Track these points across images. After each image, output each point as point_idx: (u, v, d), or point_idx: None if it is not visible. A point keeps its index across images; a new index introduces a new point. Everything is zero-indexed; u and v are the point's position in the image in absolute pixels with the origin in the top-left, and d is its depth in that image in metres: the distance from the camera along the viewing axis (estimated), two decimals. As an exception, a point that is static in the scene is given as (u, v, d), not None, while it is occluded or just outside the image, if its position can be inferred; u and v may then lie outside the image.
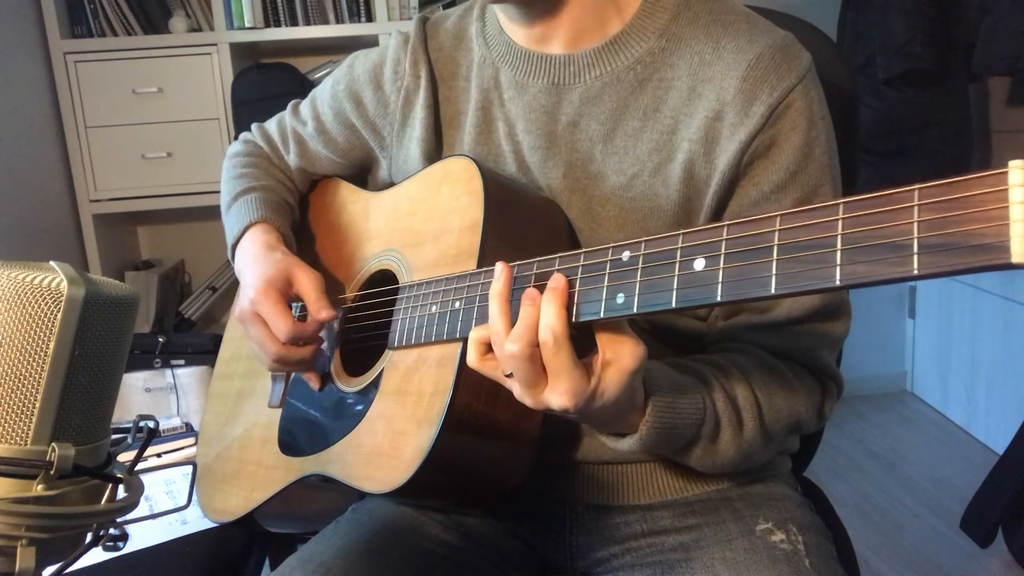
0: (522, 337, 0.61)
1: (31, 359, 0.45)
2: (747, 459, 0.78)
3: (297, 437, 0.93)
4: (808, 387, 0.81)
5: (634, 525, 0.85)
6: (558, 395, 0.61)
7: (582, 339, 0.62)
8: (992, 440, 2.56)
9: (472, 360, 0.67)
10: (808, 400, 0.80)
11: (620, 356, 0.61)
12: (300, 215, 1.07)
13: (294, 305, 0.98)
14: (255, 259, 0.91)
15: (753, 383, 0.76)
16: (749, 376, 0.76)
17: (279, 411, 0.96)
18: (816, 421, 0.82)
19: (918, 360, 2.99)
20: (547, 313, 0.60)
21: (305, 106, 1.05)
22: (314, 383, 0.92)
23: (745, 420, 0.75)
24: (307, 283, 0.87)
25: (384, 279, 0.90)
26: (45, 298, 0.45)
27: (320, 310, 0.85)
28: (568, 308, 0.61)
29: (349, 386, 0.88)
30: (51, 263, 0.48)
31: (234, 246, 0.97)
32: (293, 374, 0.95)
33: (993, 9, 2.11)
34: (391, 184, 0.98)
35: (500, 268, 0.65)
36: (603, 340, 0.62)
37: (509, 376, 0.64)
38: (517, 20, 0.84)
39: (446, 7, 0.99)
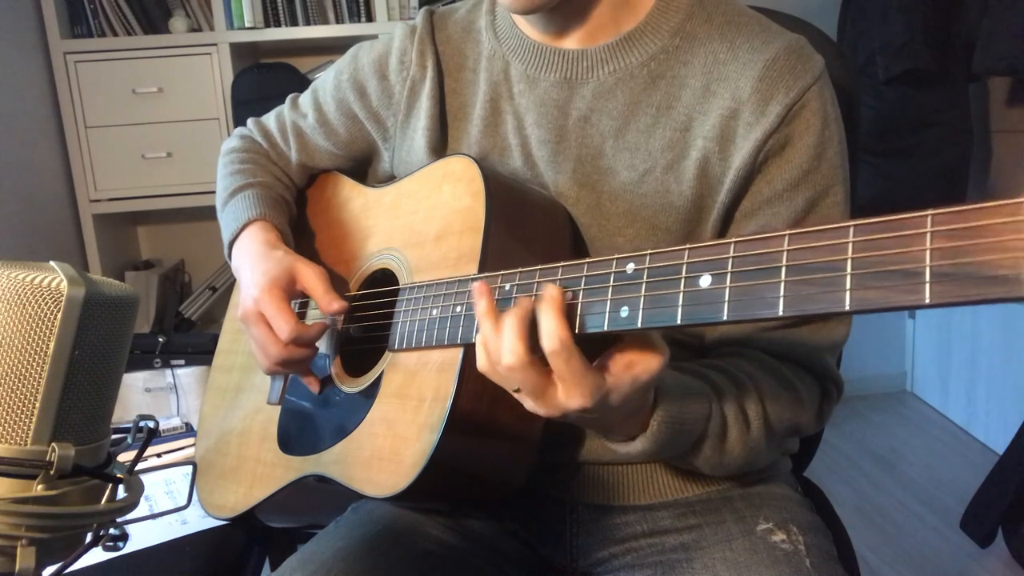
0: (514, 348, 0.60)
1: (31, 359, 0.45)
2: (752, 460, 0.78)
3: (296, 435, 0.93)
4: (809, 390, 0.81)
5: (635, 525, 0.85)
6: (575, 398, 0.60)
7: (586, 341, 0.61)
8: (992, 440, 2.56)
9: (482, 365, 0.65)
10: (809, 403, 0.81)
11: (640, 360, 0.61)
12: (299, 210, 1.06)
13: (294, 302, 0.98)
14: (257, 257, 0.90)
15: (757, 386, 0.76)
16: (753, 379, 0.77)
17: (278, 408, 0.96)
18: (815, 424, 0.82)
19: (918, 360, 2.99)
20: (547, 322, 0.59)
21: (305, 98, 1.04)
22: (313, 387, 0.91)
23: (751, 419, 0.75)
24: (312, 278, 0.86)
25: (384, 278, 0.89)
26: (45, 298, 0.45)
27: (331, 302, 0.85)
28: (571, 318, 0.60)
29: (349, 387, 0.88)
30: (51, 263, 0.48)
31: (231, 243, 0.96)
32: (293, 371, 0.94)
33: (993, 9, 2.11)
34: (392, 177, 0.98)
35: (477, 288, 0.64)
36: (627, 340, 0.61)
37: (517, 391, 0.63)
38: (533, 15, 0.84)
39: (445, 5, 0.99)
